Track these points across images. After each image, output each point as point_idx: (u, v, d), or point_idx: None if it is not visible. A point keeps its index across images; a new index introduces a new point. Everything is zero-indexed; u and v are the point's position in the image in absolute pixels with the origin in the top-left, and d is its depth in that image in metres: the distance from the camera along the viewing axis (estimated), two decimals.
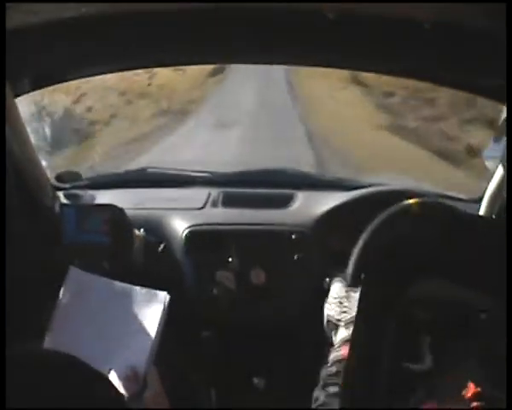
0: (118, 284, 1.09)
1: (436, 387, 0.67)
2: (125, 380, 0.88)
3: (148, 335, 1.02)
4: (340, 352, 0.98)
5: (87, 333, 1.01)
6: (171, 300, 1.14)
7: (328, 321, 1.11)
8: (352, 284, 1.15)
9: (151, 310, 1.05)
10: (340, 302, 1.09)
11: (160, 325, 1.03)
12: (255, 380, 1.57)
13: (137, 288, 1.08)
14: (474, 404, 0.63)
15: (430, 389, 0.67)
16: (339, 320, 1.07)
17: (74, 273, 1.09)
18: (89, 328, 1.03)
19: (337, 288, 1.15)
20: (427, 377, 0.71)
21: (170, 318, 1.14)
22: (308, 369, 1.57)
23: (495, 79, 1.08)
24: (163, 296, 1.07)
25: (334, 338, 1.08)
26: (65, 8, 0.89)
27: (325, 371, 0.98)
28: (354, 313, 0.99)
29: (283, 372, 1.57)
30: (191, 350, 1.50)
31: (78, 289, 1.08)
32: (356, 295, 1.06)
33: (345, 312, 1.06)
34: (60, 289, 1.12)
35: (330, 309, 1.11)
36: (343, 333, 1.04)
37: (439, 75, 1.31)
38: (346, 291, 1.11)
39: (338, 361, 0.96)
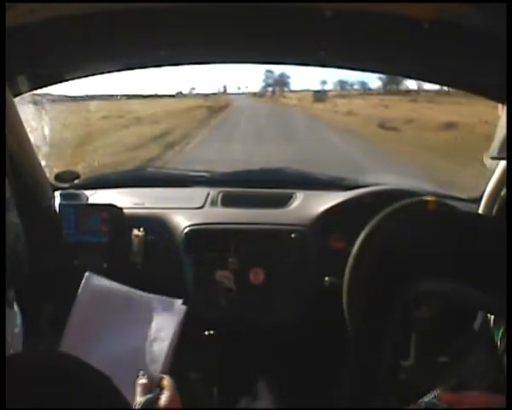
0: (134, 291, 1.10)
1: (438, 386, 0.67)
2: (140, 387, 0.89)
3: (164, 343, 1.02)
4: None
5: (104, 340, 1.02)
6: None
7: None
8: (352, 279, 1.14)
9: (167, 318, 1.06)
10: None
11: (175, 333, 1.04)
12: (255, 380, 1.56)
13: (154, 296, 1.09)
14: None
15: (432, 389, 0.67)
16: None
17: (91, 280, 1.10)
18: (105, 336, 1.03)
19: None
20: (428, 377, 0.71)
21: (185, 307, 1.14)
22: (308, 368, 1.57)
23: (495, 79, 1.08)
24: (179, 306, 1.08)
25: None
26: (64, 8, 0.89)
27: None
28: None
29: (283, 371, 1.57)
30: (191, 349, 1.50)
31: (94, 294, 1.08)
32: None
33: None
34: (59, 289, 1.12)
35: None
36: None
37: (438, 75, 1.31)
38: None
39: None
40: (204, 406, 1.52)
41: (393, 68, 1.34)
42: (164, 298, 1.09)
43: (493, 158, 1.36)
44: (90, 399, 0.52)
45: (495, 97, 1.26)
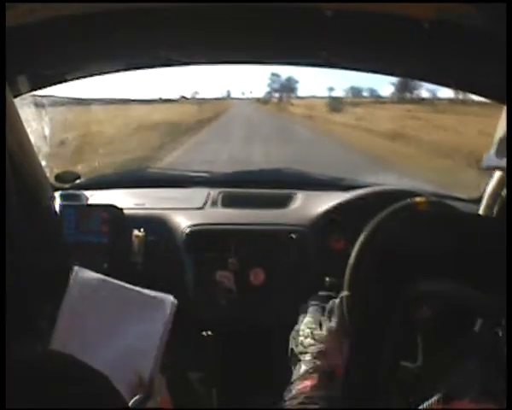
0: (125, 286, 1.09)
1: (438, 387, 0.66)
2: (131, 386, 0.89)
3: (154, 339, 1.02)
4: (302, 384, 0.92)
5: (93, 336, 1.01)
6: None
7: (292, 353, 1.05)
8: (352, 279, 1.13)
9: (157, 313, 1.05)
10: (312, 333, 1.02)
11: (166, 330, 1.04)
12: (255, 380, 1.56)
13: (145, 291, 1.08)
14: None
15: (432, 390, 0.67)
16: (306, 349, 1.00)
17: (80, 274, 1.09)
18: (95, 331, 1.03)
19: (310, 316, 1.08)
20: (428, 378, 0.71)
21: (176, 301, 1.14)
22: None
23: (495, 79, 1.08)
24: (170, 301, 1.07)
25: (296, 369, 1.00)
26: (64, 8, 0.89)
27: (288, 404, 0.91)
28: (323, 345, 0.96)
29: (283, 371, 1.57)
30: (191, 350, 1.50)
31: (84, 290, 1.07)
32: (329, 325, 1.01)
33: (315, 342, 1.01)
34: (59, 290, 1.12)
35: (297, 341, 1.04)
36: (309, 364, 0.96)
37: (438, 75, 1.31)
38: (320, 319, 1.06)
39: (300, 394, 0.90)
40: (204, 406, 1.52)
41: (393, 68, 1.34)
42: (153, 293, 1.08)
43: (488, 168, 1.36)
44: (88, 399, 0.52)
45: (495, 97, 1.26)
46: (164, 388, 0.90)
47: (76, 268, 1.08)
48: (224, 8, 0.95)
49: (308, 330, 1.02)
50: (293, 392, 0.91)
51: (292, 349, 1.04)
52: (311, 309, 1.10)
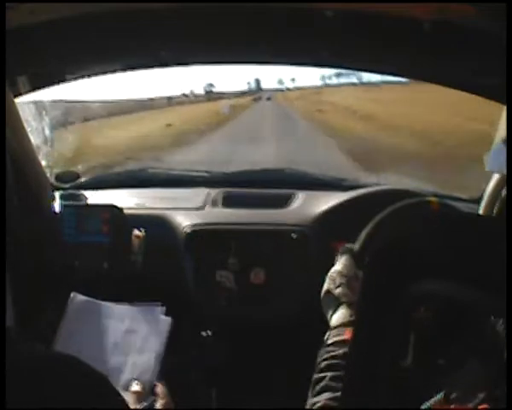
0: (119, 306, 1.13)
1: (438, 388, 0.66)
2: (134, 396, 0.90)
3: (151, 353, 1.04)
4: (343, 334, 0.93)
5: (90, 351, 1.03)
6: (171, 300, 1.16)
7: (327, 292, 1.06)
8: (357, 264, 1.13)
9: (153, 329, 1.08)
10: (348, 281, 1.03)
11: (163, 341, 1.06)
12: (255, 380, 1.56)
13: (138, 307, 1.11)
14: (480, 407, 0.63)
15: (432, 390, 0.66)
16: (342, 298, 1.01)
17: (77, 300, 1.12)
18: (92, 347, 1.05)
19: (346, 263, 1.10)
20: (428, 378, 0.71)
21: (170, 317, 1.15)
22: (308, 368, 1.57)
23: (495, 79, 1.08)
24: (164, 317, 1.10)
25: (331, 315, 1.03)
26: (64, 8, 0.89)
27: (328, 352, 0.93)
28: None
29: (283, 372, 1.57)
30: (191, 349, 1.50)
31: (80, 314, 1.11)
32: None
33: (351, 291, 1.01)
34: (60, 290, 1.13)
35: (334, 284, 1.05)
36: (346, 314, 0.98)
37: (438, 75, 1.31)
38: (355, 271, 1.06)
39: (341, 343, 0.91)
40: (204, 406, 1.52)
41: (394, 68, 1.34)
42: (148, 308, 1.11)
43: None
44: (88, 399, 0.52)
45: (495, 97, 1.26)
46: (167, 395, 0.91)
47: (72, 294, 1.12)
48: (224, 8, 0.95)
49: (345, 278, 1.04)
50: (336, 339, 0.93)
51: (328, 290, 1.06)
52: (344, 258, 1.12)
